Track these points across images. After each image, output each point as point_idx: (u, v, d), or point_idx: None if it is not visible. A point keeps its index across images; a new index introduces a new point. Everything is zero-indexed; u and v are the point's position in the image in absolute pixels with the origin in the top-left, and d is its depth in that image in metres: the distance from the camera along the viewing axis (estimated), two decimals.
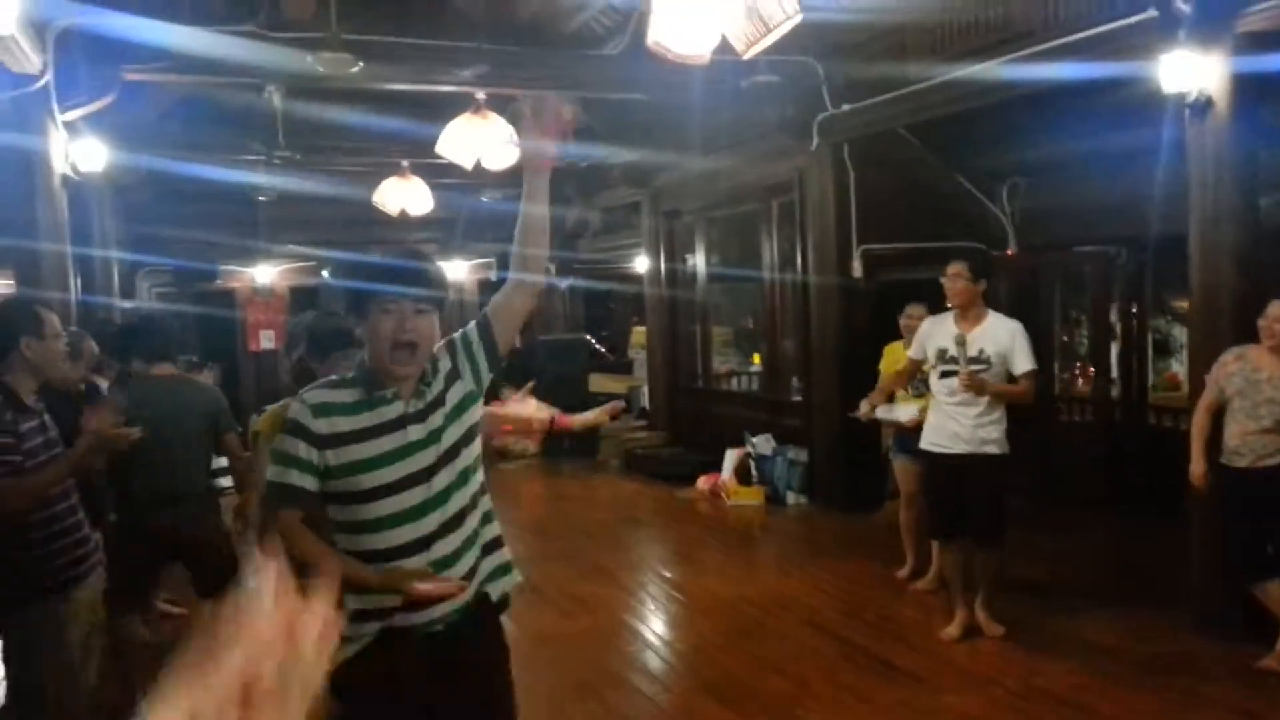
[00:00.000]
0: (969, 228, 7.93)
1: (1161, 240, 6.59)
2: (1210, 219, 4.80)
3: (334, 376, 2.34)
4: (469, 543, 2.24)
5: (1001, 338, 4.63)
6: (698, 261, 10.19)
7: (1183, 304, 7.75)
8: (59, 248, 5.97)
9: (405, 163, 8.99)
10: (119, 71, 6.33)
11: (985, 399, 4.59)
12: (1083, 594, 5.52)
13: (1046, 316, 8.23)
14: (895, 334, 5.86)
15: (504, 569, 2.35)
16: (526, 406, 3.07)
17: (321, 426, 2.15)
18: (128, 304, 9.75)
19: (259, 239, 11.87)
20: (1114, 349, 7.92)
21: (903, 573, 5.82)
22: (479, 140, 6.78)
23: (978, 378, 4.53)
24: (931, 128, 7.32)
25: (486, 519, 2.31)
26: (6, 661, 3.05)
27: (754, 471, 8.40)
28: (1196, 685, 4.26)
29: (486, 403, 2.45)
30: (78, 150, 6.25)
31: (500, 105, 7.04)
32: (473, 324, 2.32)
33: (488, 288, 12.60)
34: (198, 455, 4.26)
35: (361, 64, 6.09)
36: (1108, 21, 5.25)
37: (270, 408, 3.09)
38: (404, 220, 9.45)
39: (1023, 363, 4.61)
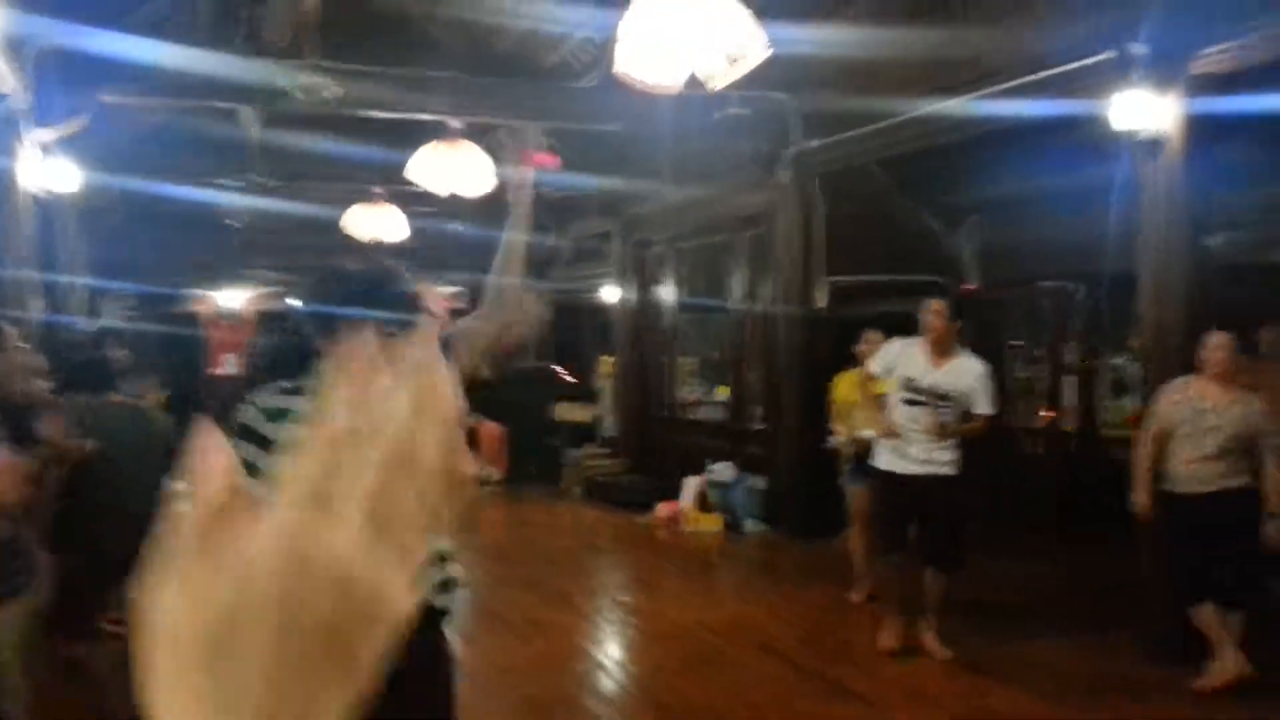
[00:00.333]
0: (932, 262, 8.07)
1: (1118, 277, 6.75)
2: (1162, 256, 4.94)
3: (284, 383, 2.27)
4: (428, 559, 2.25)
5: (967, 378, 4.84)
6: (667, 291, 10.30)
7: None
8: (25, 268, 5.96)
9: (379, 189, 9.05)
10: (95, 94, 6.37)
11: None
12: (1031, 618, 5.62)
13: (1005, 350, 8.38)
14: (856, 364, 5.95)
15: (453, 582, 2.36)
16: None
17: (276, 433, 2.11)
18: (91, 325, 9.69)
19: (229, 264, 11.87)
20: (1070, 383, 8.07)
21: (857, 597, 5.88)
22: (452, 167, 6.86)
23: (947, 425, 4.75)
24: (899, 163, 7.48)
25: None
26: None
27: (713, 499, 8.45)
28: (1139, 707, 4.36)
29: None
30: (50, 171, 6.27)
31: (476, 135, 7.14)
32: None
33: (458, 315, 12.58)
34: (148, 477, 4.27)
35: (339, 90, 6.17)
36: (1070, 62, 5.41)
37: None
38: (376, 248, 9.49)
39: (984, 405, 4.84)
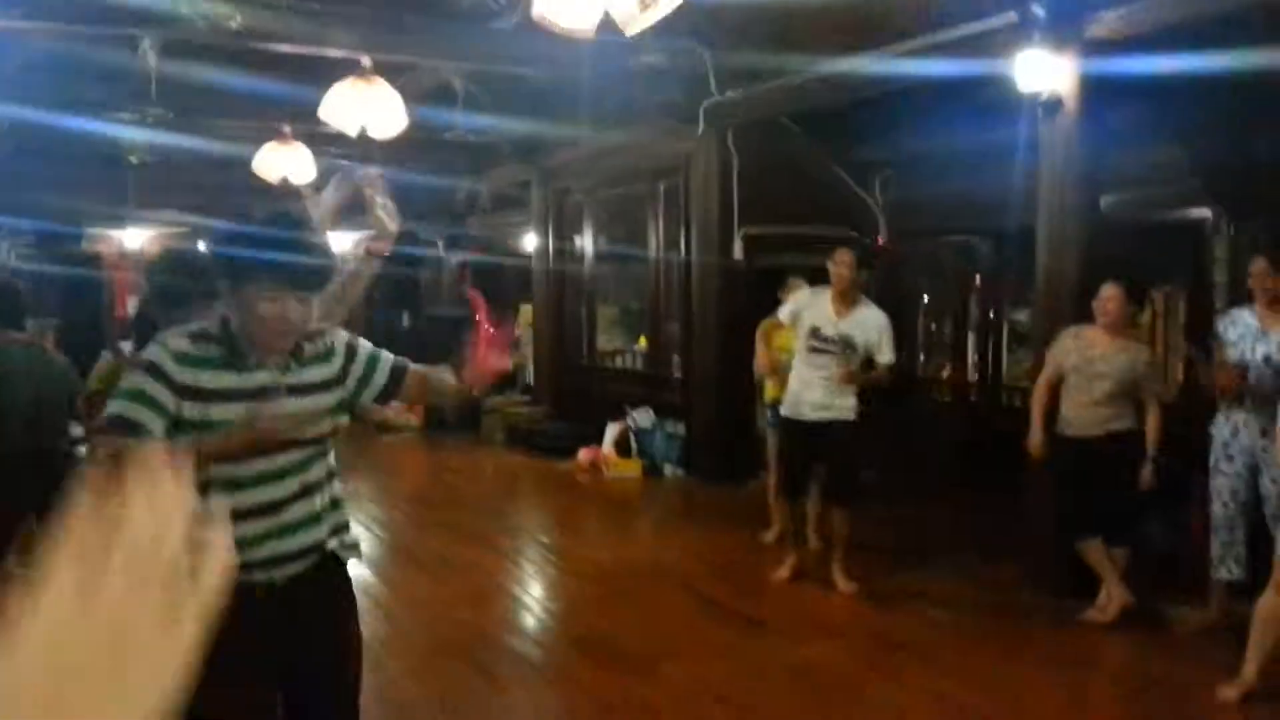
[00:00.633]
0: (844, 215, 8.28)
1: (1020, 233, 7.03)
2: (1057, 212, 5.19)
3: (192, 326, 2.19)
4: (325, 505, 2.26)
5: (870, 328, 5.06)
6: (586, 241, 10.32)
7: None
8: None
9: (287, 128, 8.79)
10: None
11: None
12: (932, 556, 5.93)
13: (911, 303, 8.67)
14: (771, 312, 6.11)
15: (345, 525, 2.37)
16: None
17: (184, 376, 2.06)
18: None
19: (130, 202, 11.42)
20: (972, 336, 8.40)
21: (770, 537, 6.10)
22: (364, 106, 6.71)
23: (855, 373, 4.98)
24: (813, 117, 7.61)
25: (332, 474, 2.32)
26: None
27: (633, 444, 8.61)
28: (1026, 634, 4.68)
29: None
30: None
31: (392, 74, 6.99)
32: (389, 363, 2.36)
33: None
34: (54, 418, 4.19)
35: (243, 19, 5.97)
36: (975, 21, 5.59)
37: (101, 364, 3.06)
38: (285, 189, 9.25)
39: (887, 354, 5.08)
